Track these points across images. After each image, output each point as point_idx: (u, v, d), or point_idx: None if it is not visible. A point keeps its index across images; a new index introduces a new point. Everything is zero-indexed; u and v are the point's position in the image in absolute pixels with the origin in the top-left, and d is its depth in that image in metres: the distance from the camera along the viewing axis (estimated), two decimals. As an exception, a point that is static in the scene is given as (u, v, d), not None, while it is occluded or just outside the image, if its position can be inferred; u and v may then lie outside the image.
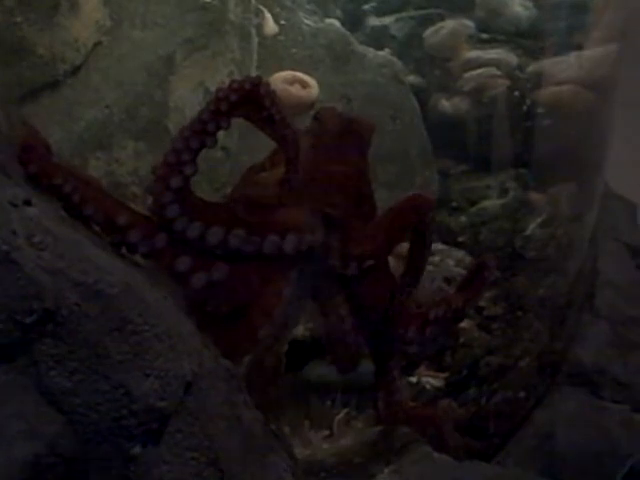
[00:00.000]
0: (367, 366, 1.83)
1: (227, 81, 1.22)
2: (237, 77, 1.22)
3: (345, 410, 1.75)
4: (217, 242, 1.23)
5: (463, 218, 2.53)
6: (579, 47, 2.47)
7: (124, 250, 1.18)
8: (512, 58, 2.70)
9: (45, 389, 0.92)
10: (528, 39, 2.78)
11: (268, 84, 1.23)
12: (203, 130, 1.17)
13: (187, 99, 2.11)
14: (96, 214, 1.12)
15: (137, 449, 0.98)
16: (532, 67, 2.66)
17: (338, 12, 3.29)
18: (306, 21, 2.67)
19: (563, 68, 2.52)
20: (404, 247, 1.53)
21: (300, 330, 1.87)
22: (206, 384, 1.10)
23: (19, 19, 1.88)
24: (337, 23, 2.83)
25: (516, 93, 2.61)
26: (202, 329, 1.19)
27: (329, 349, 1.55)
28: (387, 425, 1.68)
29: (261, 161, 1.44)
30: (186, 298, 1.23)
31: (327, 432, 1.72)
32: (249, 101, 1.20)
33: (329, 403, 1.77)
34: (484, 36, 2.86)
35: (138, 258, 1.22)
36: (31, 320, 0.89)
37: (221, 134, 2.05)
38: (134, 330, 0.98)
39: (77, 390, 0.93)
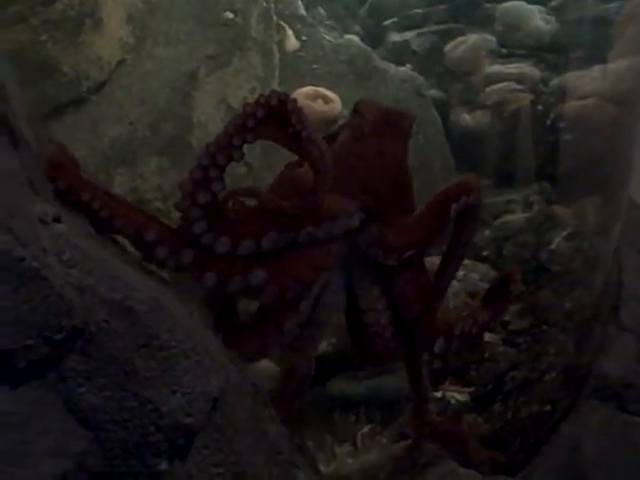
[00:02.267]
0: (391, 380, 1.83)
1: (251, 97, 1.22)
2: (263, 92, 1.21)
3: (369, 425, 1.74)
4: (248, 253, 1.23)
5: (487, 232, 2.52)
6: (602, 61, 2.46)
7: (153, 265, 1.19)
8: (535, 72, 2.70)
9: (73, 405, 0.92)
10: (551, 53, 2.78)
11: (295, 100, 1.23)
12: (229, 144, 1.17)
13: (210, 115, 2.13)
14: (124, 230, 1.12)
15: (164, 465, 0.98)
16: (555, 81, 2.66)
17: (357, 28, 3.32)
18: (327, 37, 2.68)
19: (586, 82, 2.51)
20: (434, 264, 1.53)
21: (323, 345, 1.87)
22: (232, 399, 1.10)
23: (44, 37, 1.91)
24: (356, 39, 2.85)
25: (539, 107, 2.61)
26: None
27: (366, 344, 1.54)
28: (415, 439, 1.67)
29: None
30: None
31: (351, 447, 1.71)
32: (276, 117, 1.21)
33: (353, 418, 1.76)
34: (504, 50, 2.86)
35: (166, 274, 1.23)
36: (60, 337, 0.89)
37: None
38: (162, 346, 0.98)
39: (105, 406, 0.93)
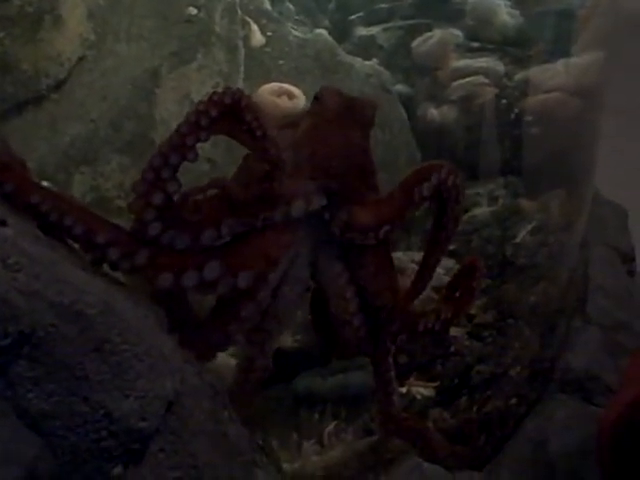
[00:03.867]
0: (357, 376, 1.83)
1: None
2: (216, 90, 1.20)
3: (335, 422, 1.74)
4: (210, 243, 1.22)
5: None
6: (566, 54, 2.46)
7: (106, 267, 1.17)
8: (499, 66, 2.70)
9: (23, 412, 0.90)
10: (516, 47, 2.78)
11: (249, 97, 1.22)
12: (182, 144, 1.16)
13: (173, 112, 2.11)
14: (75, 232, 1.10)
15: (118, 470, 0.97)
16: (520, 75, 2.66)
17: (327, 22, 3.30)
18: (294, 32, 2.67)
19: (550, 76, 2.51)
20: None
21: (288, 341, 1.86)
22: (189, 402, 1.09)
23: (1, 34, 1.87)
24: (325, 33, 2.83)
25: (504, 101, 2.61)
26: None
27: (333, 333, 1.55)
28: (381, 435, 1.67)
29: None
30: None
31: (317, 444, 1.70)
32: (230, 115, 1.20)
33: (318, 415, 1.76)
34: (474, 45, 2.86)
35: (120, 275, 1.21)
36: (6, 343, 0.87)
37: (207, 146, 2.05)
38: (113, 350, 0.97)
39: (56, 412, 0.92)
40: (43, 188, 1.09)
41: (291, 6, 3.18)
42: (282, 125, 1.56)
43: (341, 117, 1.39)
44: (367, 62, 2.76)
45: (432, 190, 1.47)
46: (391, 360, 1.61)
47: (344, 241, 1.42)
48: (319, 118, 1.40)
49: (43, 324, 0.91)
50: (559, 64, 2.50)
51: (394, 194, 1.47)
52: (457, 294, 1.64)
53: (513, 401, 1.89)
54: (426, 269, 1.60)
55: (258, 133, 1.20)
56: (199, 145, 1.19)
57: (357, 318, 1.51)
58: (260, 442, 1.48)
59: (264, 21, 2.60)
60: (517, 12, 2.87)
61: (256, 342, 1.43)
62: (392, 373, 1.62)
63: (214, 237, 1.24)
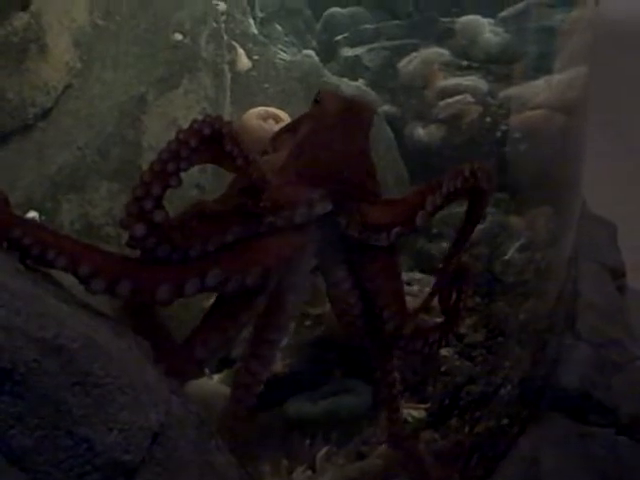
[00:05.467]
0: (347, 400, 1.83)
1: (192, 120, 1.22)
2: (199, 117, 1.20)
3: (326, 447, 1.73)
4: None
5: (444, 244, 2.52)
6: (549, 71, 2.48)
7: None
8: (483, 85, 2.72)
9: (6, 447, 0.90)
10: (499, 64, 2.80)
11: (229, 124, 1.22)
12: (163, 171, 1.16)
13: (160, 138, 2.11)
14: (58, 265, 1.10)
15: (104, 503, 0.97)
16: (503, 93, 2.68)
17: (314, 43, 3.33)
18: (280, 55, 2.68)
19: (534, 93, 2.53)
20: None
21: (279, 366, 1.86)
22: (175, 433, 1.09)
23: (-13, 65, 1.88)
24: (313, 54, 2.85)
25: (488, 119, 2.62)
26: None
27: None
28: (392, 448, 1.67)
29: None
30: None
31: (308, 470, 1.70)
32: (210, 143, 1.20)
33: (309, 440, 1.76)
34: (464, 63, 2.88)
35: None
36: (-13, 379, 0.87)
37: (195, 172, 2.05)
38: (96, 383, 0.97)
39: (39, 447, 0.92)
40: (24, 221, 1.09)
41: (279, 27, 3.20)
42: (281, 129, 1.58)
43: (342, 119, 1.37)
44: (353, 83, 2.77)
45: (444, 200, 1.47)
46: (397, 374, 1.60)
47: (358, 242, 1.42)
48: (320, 121, 1.39)
49: (25, 360, 0.90)
50: (542, 81, 2.52)
51: (406, 198, 1.48)
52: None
53: (505, 421, 1.89)
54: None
55: (239, 162, 1.21)
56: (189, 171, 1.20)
57: (360, 321, 1.52)
58: (249, 469, 1.48)
59: (250, 45, 2.61)
60: (501, 30, 2.89)
61: (260, 354, 1.43)
62: (398, 387, 1.61)
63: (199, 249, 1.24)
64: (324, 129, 1.38)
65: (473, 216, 1.60)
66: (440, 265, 1.66)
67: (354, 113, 1.39)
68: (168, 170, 1.16)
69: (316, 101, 1.43)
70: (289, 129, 1.52)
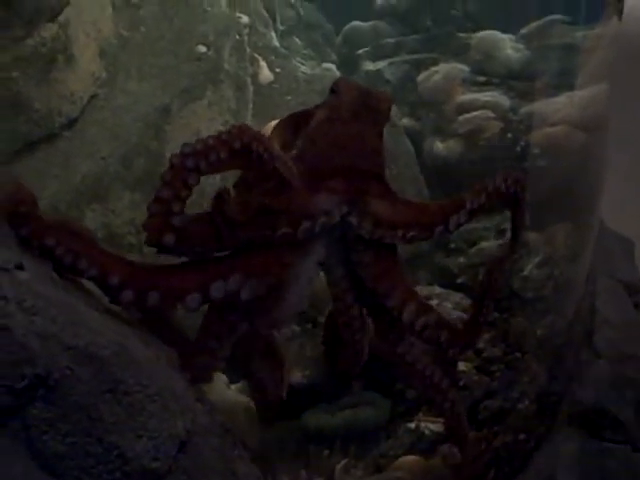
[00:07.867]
0: (366, 412, 1.83)
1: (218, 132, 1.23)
2: (224, 132, 1.21)
3: (345, 460, 1.74)
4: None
5: (462, 259, 2.53)
6: (571, 88, 2.49)
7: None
8: (504, 100, 2.73)
9: (37, 453, 0.92)
10: (520, 81, 2.81)
11: (260, 138, 1.24)
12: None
13: (183, 149, 2.13)
14: (89, 275, 1.12)
15: (132, 510, 0.98)
16: (525, 109, 2.69)
17: (334, 57, 3.35)
18: (301, 68, 2.70)
19: (555, 109, 2.54)
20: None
21: (297, 377, 1.87)
22: (200, 441, 1.10)
23: (15, 74, 1.90)
24: (334, 68, 2.87)
25: (509, 135, 2.63)
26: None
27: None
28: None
29: None
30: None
31: (326, 482, 1.71)
32: (240, 155, 1.22)
33: (327, 452, 1.76)
34: (480, 79, 2.89)
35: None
36: (22, 385, 0.89)
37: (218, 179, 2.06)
38: (126, 391, 0.98)
39: (70, 453, 0.93)
40: (58, 230, 1.10)
41: (298, 41, 3.22)
42: (294, 114, 1.58)
43: (357, 111, 1.37)
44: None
45: (467, 217, 1.48)
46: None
47: (367, 241, 1.41)
48: (335, 112, 1.38)
49: (59, 367, 0.92)
50: (564, 97, 2.52)
51: (429, 205, 1.50)
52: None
53: (521, 436, 1.89)
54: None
55: (269, 167, 1.22)
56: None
57: (358, 322, 1.52)
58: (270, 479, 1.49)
59: (272, 57, 2.64)
60: (521, 46, 2.90)
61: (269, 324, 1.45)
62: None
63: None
64: (340, 117, 1.37)
65: (517, 222, 1.65)
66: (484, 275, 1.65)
67: (371, 103, 1.39)
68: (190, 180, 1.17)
69: (332, 90, 1.42)
70: (303, 115, 1.50)
